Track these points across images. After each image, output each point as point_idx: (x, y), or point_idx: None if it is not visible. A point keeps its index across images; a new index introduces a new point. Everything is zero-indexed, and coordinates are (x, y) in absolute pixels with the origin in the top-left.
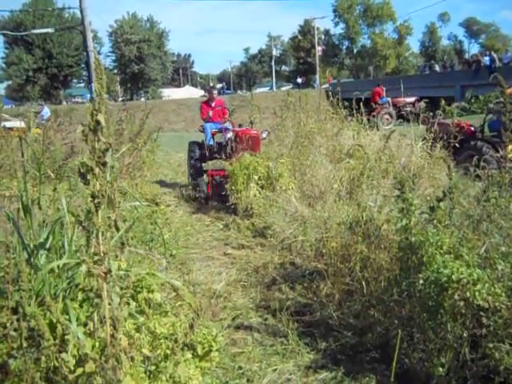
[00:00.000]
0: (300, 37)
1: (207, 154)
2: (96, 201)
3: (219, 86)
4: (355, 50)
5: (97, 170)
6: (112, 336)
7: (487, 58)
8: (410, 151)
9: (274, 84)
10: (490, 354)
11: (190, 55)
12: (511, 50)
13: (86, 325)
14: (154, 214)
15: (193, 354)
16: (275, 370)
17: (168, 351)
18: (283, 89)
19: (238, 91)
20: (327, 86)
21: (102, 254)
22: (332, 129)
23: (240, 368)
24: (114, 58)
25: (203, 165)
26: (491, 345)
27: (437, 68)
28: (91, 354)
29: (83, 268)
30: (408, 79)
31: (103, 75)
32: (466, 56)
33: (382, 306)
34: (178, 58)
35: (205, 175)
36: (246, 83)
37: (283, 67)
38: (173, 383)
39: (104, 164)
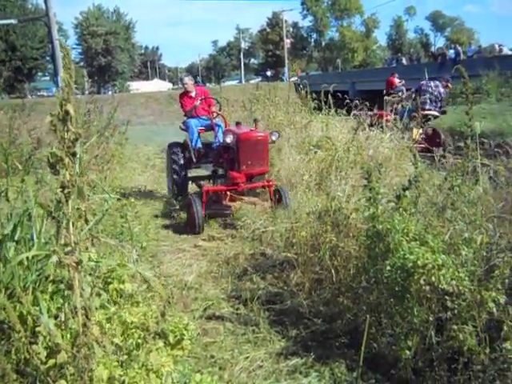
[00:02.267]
0: (268, 29)
1: (194, 159)
2: (66, 191)
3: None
4: (323, 43)
5: (66, 160)
6: (84, 325)
7: (452, 51)
8: (378, 142)
9: (242, 77)
10: (454, 336)
11: (158, 48)
12: (475, 43)
13: (56, 317)
14: (124, 207)
15: (164, 343)
16: (247, 357)
17: (139, 340)
18: (252, 82)
19: (207, 84)
20: (296, 78)
21: (73, 245)
22: (301, 121)
23: (212, 357)
24: (80, 50)
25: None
26: (455, 327)
27: (404, 61)
28: (63, 345)
29: (54, 258)
30: (376, 72)
31: (71, 65)
32: (432, 49)
33: (351, 293)
34: (146, 50)
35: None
36: (215, 76)
37: (252, 60)
38: (145, 371)
39: (73, 154)
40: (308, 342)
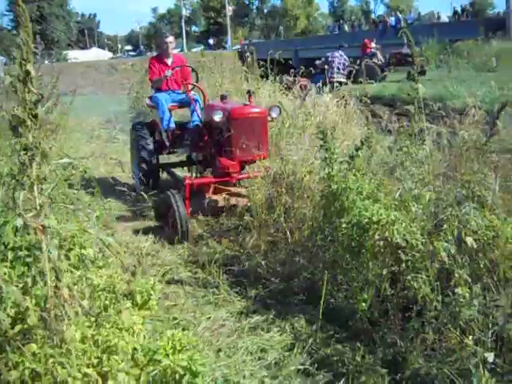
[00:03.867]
0: None
1: (167, 143)
2: (30, 153)
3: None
4: (266, 10)
5: (29, 122)
6: (56, 287)
7: (393, 19)
8: (325, 108)
9: (184, 45)
10: (408, 285)
11: (95, 15)
12: (414, 11)
13: (16, 286)
14: (75, 174)
15: (132, 303)
16: (209, 318)
17: (107, 302)
18: (194, 50)
19: (148, 53)
20: (239, 47)
21: (38, 208)
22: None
23: (175, 318)
24: (11, 17)
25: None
26: (409, 277)
27: (346, 28)
28: (33, 308)
29: (19, 222)
30: (318, 39)
31: (28, 22)
32: (373, 16)
33: (307, 252)
34: (83, 18)
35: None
36: (156, 45)
37: (193, 28)
38: (117, 329)
39: (35, 116)
40: (267, 300)
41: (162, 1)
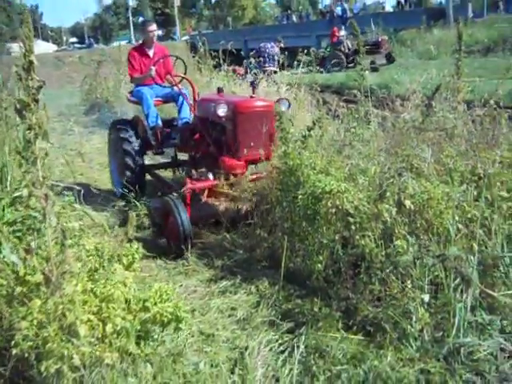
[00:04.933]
0: None
1: (153, 142)
2: (33, 132)
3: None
4: (213, 1)
5: (32, 106)
6: (62, 245)
7: (339, 9)
8: (277, 96)
9: (132, 36)
10: (357, 244)
11: (37, 6)
12: (360, 0)
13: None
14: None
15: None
16: (181, 285)
17: (97, 265)
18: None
19: (95, 45)
20: (187, 37)
21: (42, 179)
22: (202, 79)
23: (150, 287)
24: None
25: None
26: (358, 236)
27: (294, 18)
28: (39, 267)
29: (24, 192)
30: (267, 29)
31: (29, 18)
32: (320, 6)
33: (267, 226)
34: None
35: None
36: (102, 36)
37: (140, 18)
38: (112, 284)
39: (37, 100)
40: (233, 268)
41: None
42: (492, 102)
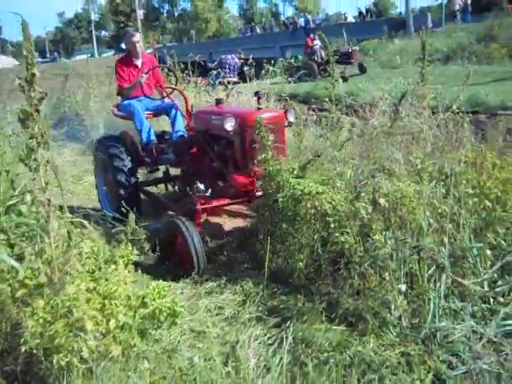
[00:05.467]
0: (118, 0)
1: (147, 159)
2: (35, 141)
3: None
4: (176, 14)
5: (35, 116)
6: (68, 245)
7: (302, 20)
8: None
9: (95, 50)
10: (336, 241)
11: None
12: (322, 11)
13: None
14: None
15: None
16: (169, 286)
17: (94, 267)
18: (105, 55)
19: (58, 59)
20: (151, 50)
21: (44, 185)
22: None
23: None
24: None
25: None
26: (337, 234)
27: (258, 30)
28: (43, 268)
29: (28, 198)
30: (230, 41)
31: (29, 35)
32: (282, 18)
33: (249, 230)
34: None
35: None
36: (64, 50)
37: (103, 32)
38: (113, 283)
39: (38, 111)
40: (218, 271)
41: (67, 5)
42: (454, 107)
